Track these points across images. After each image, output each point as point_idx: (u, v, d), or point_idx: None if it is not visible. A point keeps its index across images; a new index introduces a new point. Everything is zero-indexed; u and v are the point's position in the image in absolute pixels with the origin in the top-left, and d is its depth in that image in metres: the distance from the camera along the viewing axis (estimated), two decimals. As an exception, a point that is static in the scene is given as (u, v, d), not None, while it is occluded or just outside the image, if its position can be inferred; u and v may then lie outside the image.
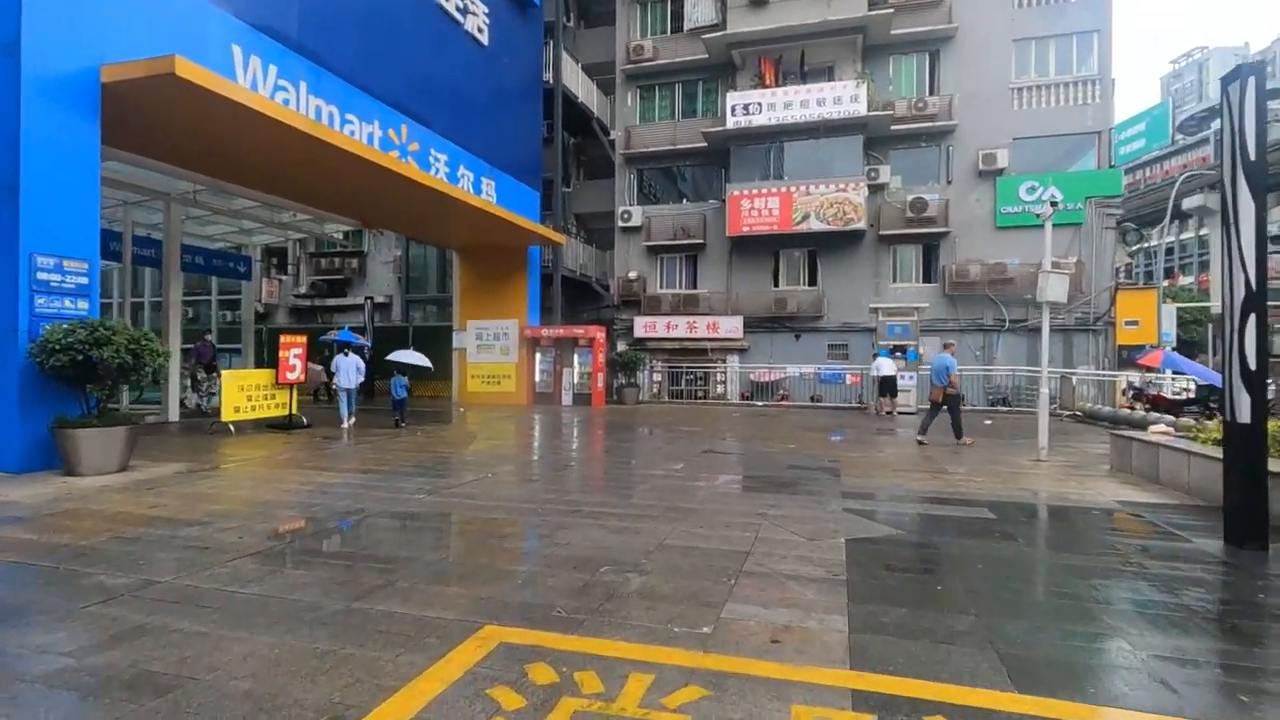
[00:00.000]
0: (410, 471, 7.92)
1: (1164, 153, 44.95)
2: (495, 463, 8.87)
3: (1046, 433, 9.33)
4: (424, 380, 23.46)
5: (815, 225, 22.09)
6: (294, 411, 12.69)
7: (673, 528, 5.41)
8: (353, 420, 13.07)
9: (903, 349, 17.89)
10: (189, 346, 17.71)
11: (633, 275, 25.04)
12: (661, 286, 25.32)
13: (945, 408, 11.12)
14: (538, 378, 20.11)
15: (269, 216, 14.97)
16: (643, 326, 24.58)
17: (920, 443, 10.78)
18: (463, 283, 20.71)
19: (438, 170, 14.80)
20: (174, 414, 13.07)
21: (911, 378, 17.80)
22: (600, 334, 19.72)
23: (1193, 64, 77.67)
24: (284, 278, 35.75)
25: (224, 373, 11.41)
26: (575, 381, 19.65)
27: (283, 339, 12.28)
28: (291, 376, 12.48)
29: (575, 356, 19.68)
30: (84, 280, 8.03)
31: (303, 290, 34.31)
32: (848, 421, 15.43)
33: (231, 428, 11.30)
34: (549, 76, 21.72)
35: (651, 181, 26.88)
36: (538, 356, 20.08)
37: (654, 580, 4.10)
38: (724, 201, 23.99)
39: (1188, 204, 34.12)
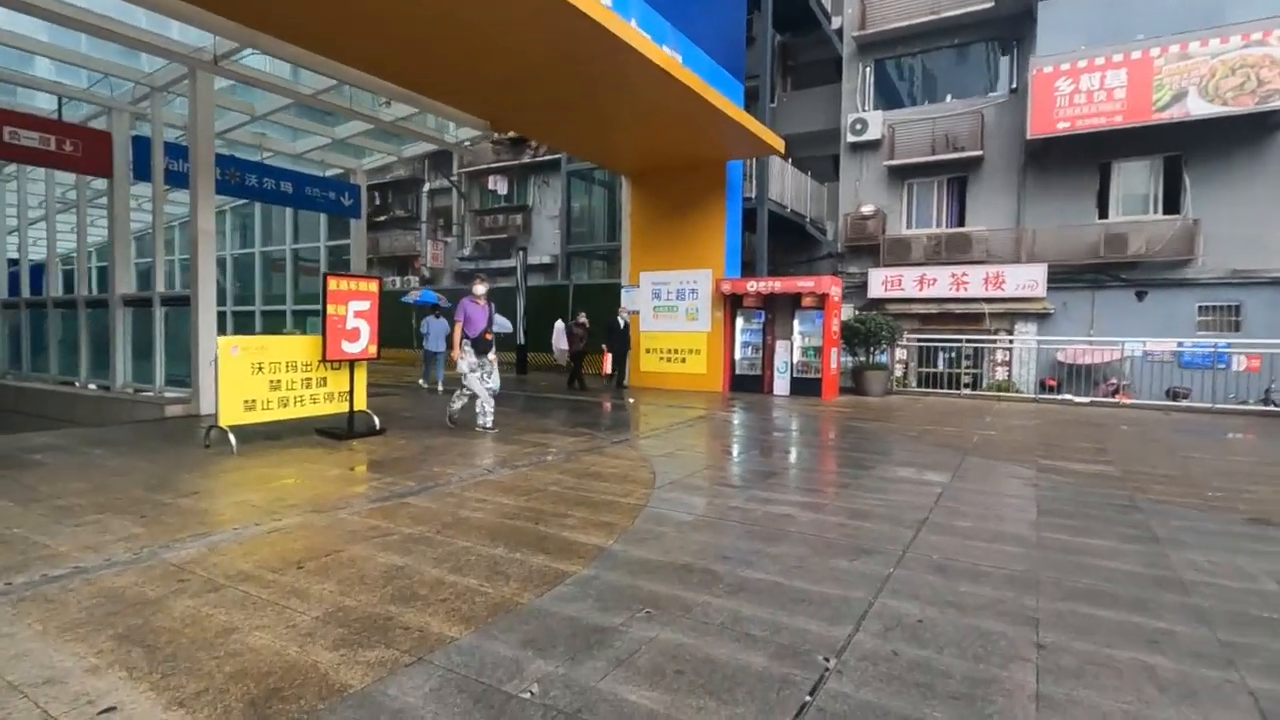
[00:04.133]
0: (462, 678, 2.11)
1: None
2: (708, 626, 2.82)
3: None
4: (589, 352, 18.30)
5: (1197, 108, 13.43)
6: (358, 407, 7.64)
7: None
8: (440, 388, 12.25)
9: None
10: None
11: (867, 210, 17.84)
12: (910, 225, 17.85)
13: None
14: (739, 354, 13.92)
15: (351, 106, 10.08)
16: (881, 282, 17.40)
17: None
18: (636, 221, 14.96)
19: (595, 14, 8.89)
20: (207, 405, 8.61)
21: None
22: (836, 287, 13.03)
23: None
24: (449, 240, 32.96)
25: (221, 341, 6.53)
26: (796, 360, 13.19)
27: (331, 283, 7.16)
28: (352, 348, 7.38)
29: (795, 323, 13.20)
30: None
31: (467, 252, 31.29)
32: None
33: (232, 438, 6.36)
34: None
35: (895, 79, 19.29)
36: (739, 323, 13.87)
37: None
38: (1015, 91, 15.94)
39: None
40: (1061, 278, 15.69)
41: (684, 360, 14.25)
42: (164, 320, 9.25)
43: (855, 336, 13.76)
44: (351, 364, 7.51)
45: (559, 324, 12.66)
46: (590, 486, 5.30)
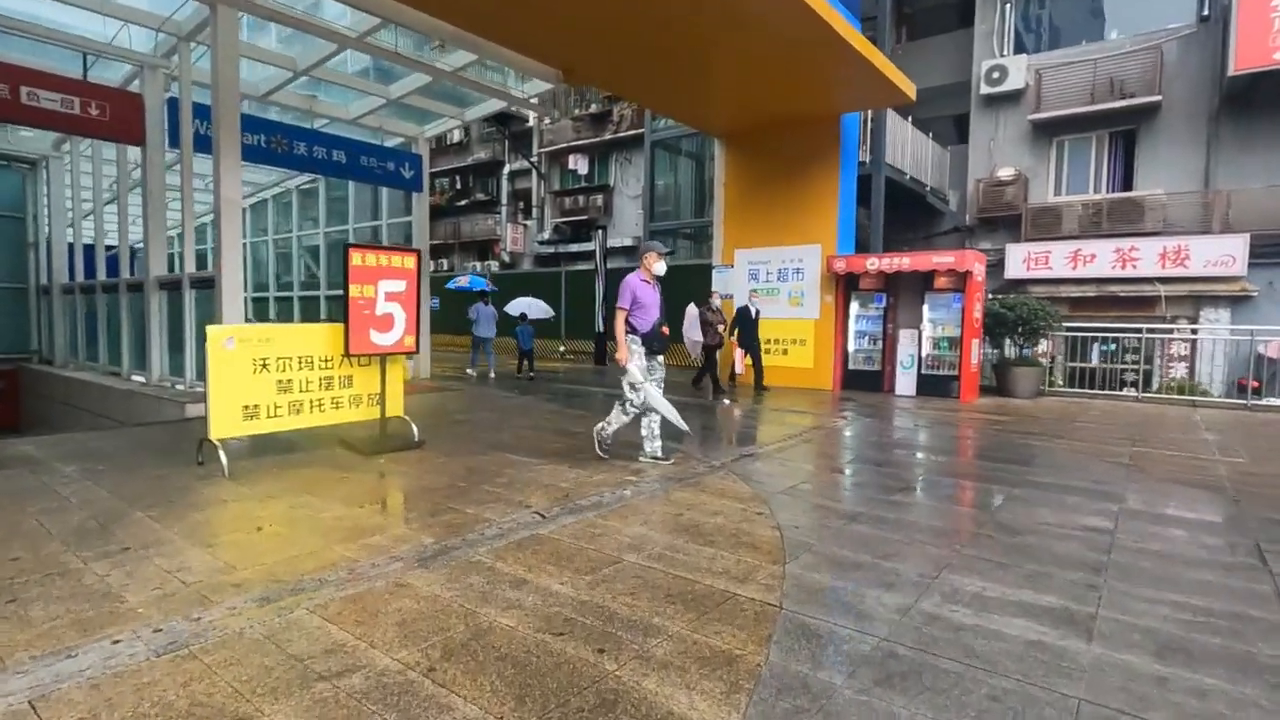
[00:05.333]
0: None
1: None
2: None
3: None
4: (675, 340, 16.48)
5: None
6: (393, 413, 6.14)
7: None
8: (492, 376, 12.21)
9: None
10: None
11: (1005, 174, 15.09)
12: (1060, 191, 14.99)
13: None
14: (853, 345, 11.73)
15: (398, 50, 8.60)
16: (1022, 260, 14.67)
17: None
18: (730, 190, 12.96)
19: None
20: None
21: None
22: (979, 264, 10.66)
23: None
24: (528, 223, 31.94)
25: (211, 332, 5.13)
26: (925, 353, 10.91)
27: (354, 256, 5.64)
28: (382, 340, 5.87)
29: (925, 309, 10.89)
30: None
31: (546, 235, 30.18)
32: None
33: (223, 457, 4.93)
34: None
35: (1039, 19, 16.28)
36: (854, 309, 11.67)
37: None
38: (1207, 19, 12.80)
39: None
40: (1268, 251, 12.51)
41: (786, 352, 12.19)
42: (194, 306, 8.12)
43: (1001, 325, 11.28)
44: (383, 360, 6.00)
45: (691, 309, 10.36)
46: (687, 555, 3.48)
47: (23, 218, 12.58)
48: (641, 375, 5.44)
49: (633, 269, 5.82)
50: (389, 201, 13.09)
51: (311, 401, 5.65)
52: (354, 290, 5.62)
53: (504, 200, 32.45)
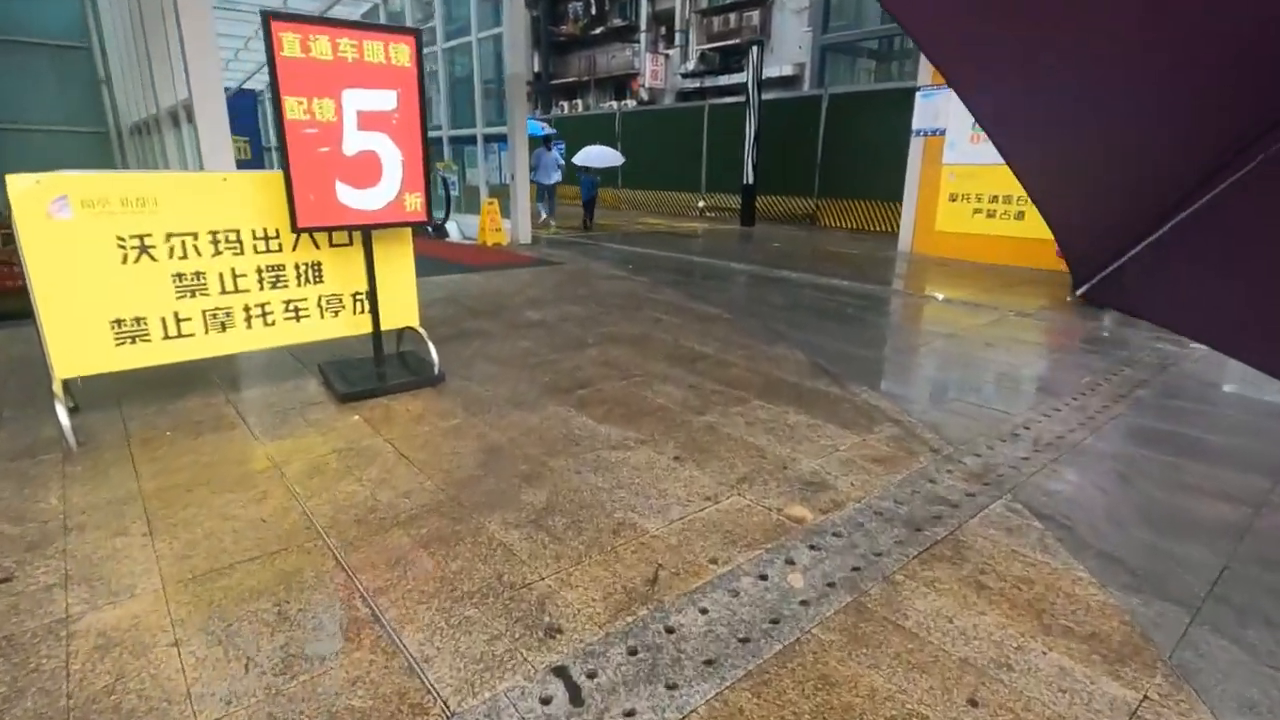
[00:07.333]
0: None
1: None
2: None
3: None
4: (846, 197, 12.77)
5: None
6: (396, 324, 3.72)
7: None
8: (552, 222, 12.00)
9: None
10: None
11: None
12: None
13: None
14: (1138, 206, 7.66)
15: None
16: None
17: None
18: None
19: None
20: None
21: None
22: None
23: None
24: (670, 53, 27.57)
25: (14, 183, 2.85)
26: None
27: (285, 40, 3.00)
28: (361, 201, 3.30)
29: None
30: None
31: (690, 66, 25.95)
32: None
33: (63, 418, 2.79)
34: None
35: None
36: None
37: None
38: None
39: None
40: None
41: (1021, 215, 8.35)
42: (194, 145, 6.02)
43: None
44: (367, 236, 3.48)
45: None
46: None
47: (87, 48, 11.12)
48: None
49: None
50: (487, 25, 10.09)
51: (248, 308, 3.33)
52: (291, 107, 3.02)
53: (643, 25, 28.01)
